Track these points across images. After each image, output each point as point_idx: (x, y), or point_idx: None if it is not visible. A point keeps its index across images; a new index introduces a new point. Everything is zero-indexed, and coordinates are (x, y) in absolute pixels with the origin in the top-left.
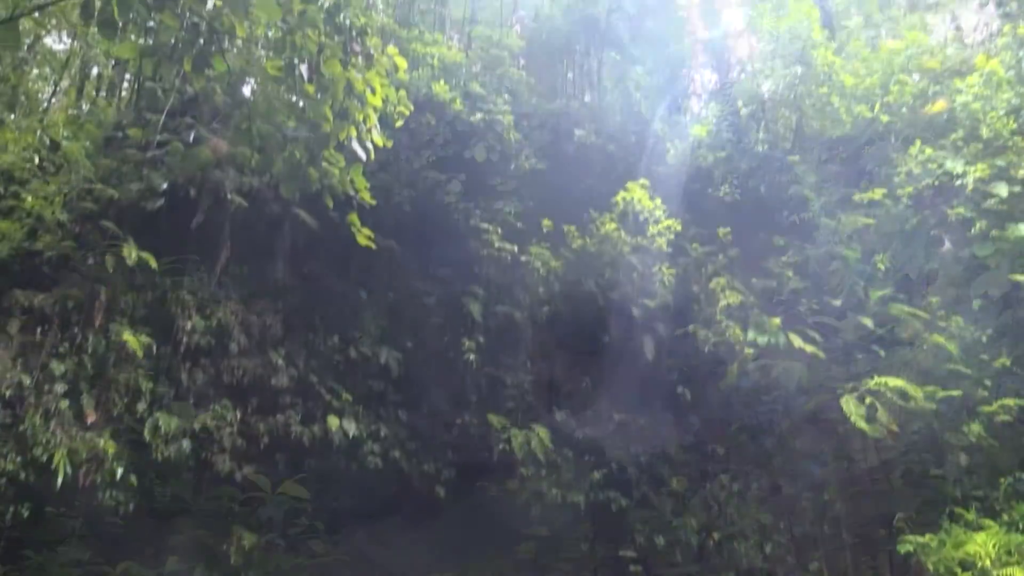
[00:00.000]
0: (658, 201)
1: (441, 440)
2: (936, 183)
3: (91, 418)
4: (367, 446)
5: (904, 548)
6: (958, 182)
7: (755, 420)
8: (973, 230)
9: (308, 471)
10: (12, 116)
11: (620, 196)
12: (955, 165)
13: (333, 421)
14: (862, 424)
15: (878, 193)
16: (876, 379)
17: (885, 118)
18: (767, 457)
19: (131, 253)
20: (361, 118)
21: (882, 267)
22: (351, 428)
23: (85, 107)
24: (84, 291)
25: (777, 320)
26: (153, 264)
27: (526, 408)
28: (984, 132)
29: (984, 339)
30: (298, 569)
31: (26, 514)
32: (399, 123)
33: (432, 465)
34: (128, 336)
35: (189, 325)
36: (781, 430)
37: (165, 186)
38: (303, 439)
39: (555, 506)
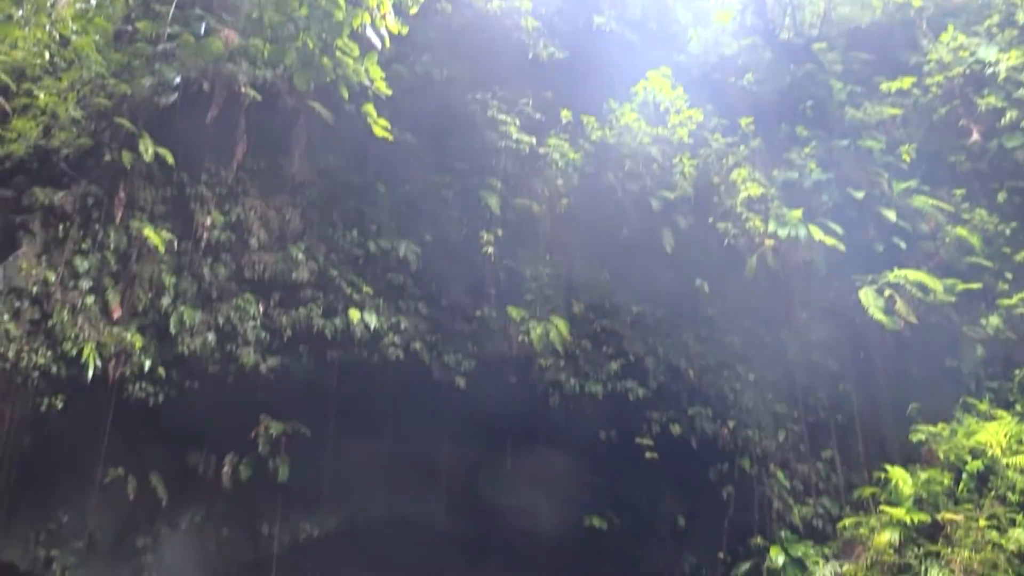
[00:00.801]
0: (679, 91)
1: (461, 332)
2: (967, 72)
3: (117, 313)
4: (388, 338)
5: (916, 437)
6: (990, 71)
7: (772, 312)
8: (1003, 121)
9: (331, 363)
10: (20, 12)
11: (640, 86)
12: (988, 53)
13: (354, 314)
14: (880, 316)
15: (906, 82)
16: (896, 271)
17: (917, 3)
18: (783, 348)
19: (147, 149)
20: (375, 4)
21: (907, 159)
22: (372, 321)
23: (93, 1)
24: (103, 188)
25: (798, 212)
26: (170, 160)
27: (544, 300)
28: (1020, 17)
29: (1007, 232)
30: (323, 458)
31: (60, 405)
32: (414, 9)
33: (452, 357)
34: (149, 232)
35: (208, 221)
36: (798, 322)
37: (178, 80)
38: (325, 332)
39: (573, 396)
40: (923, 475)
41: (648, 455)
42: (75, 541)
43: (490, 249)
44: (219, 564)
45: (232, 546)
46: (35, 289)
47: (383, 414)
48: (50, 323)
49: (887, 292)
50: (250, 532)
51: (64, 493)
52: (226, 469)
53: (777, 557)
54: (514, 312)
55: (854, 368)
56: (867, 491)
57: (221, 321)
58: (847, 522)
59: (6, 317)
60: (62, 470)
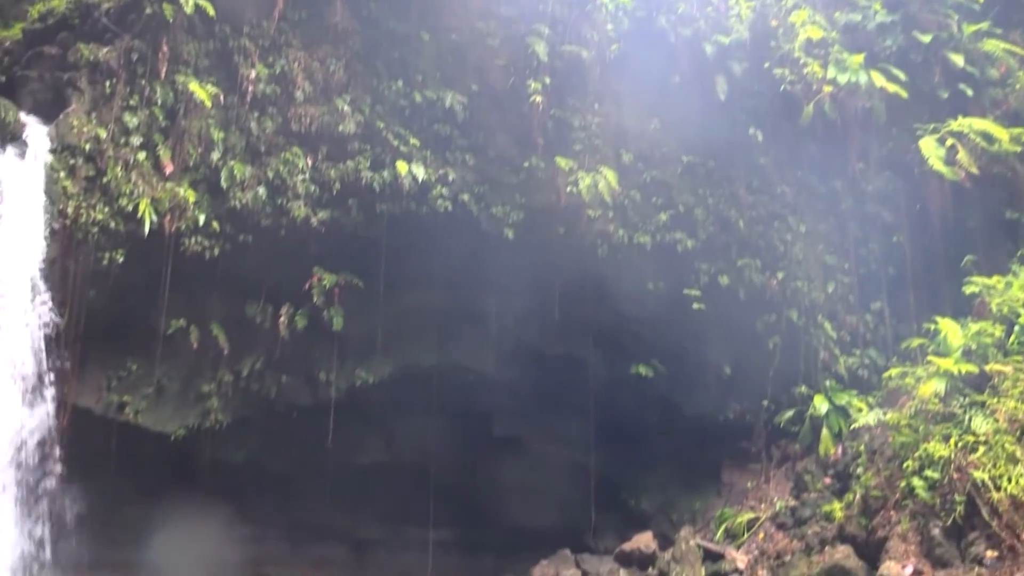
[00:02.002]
0: None
1: (508, 183)
2: None
3: (169, 168)
4: (436, 190)
5: (970, 289)
6: None
7: (827, 162)
8: None
9: (380, 215)
10: None
11: None
12: None
13: (402, 166)
14: (940, 167)
15: None
16: (960, 120)
17: None
18: (837, 199)
19: (188, 1)
20: None
21: (979, 0)
22: (419, 173)
23: None
24: (146, 42)
25: (859, 57)
26: (211, 11)
27: (593, 150)
28: None
29: None
30: (376, 308)
31: (121, 260)
32: None
33: (500, 208)
34: (195, 86)
35: (252, 74)
36: (854, 172)
37: None
38: (373, 184)
39: (621, 247)
40: (974, 327)
41: (695, 306)
42: (144, 387)
43: (538, 98)
44: (280, 409)
45: (291, 392)
46: (87, 146)
47: (433, 265)
48: (105, 180)
49: (949, 141)
50: (308, 379)
51: (131, 343)
52: (283, 319)
53: (821, 405)
54: (562, 162)
55: (909, 220)
56: (915, 342)
57: (271, 175)
58: (893, 372)
59: (62, 174)
60: (128, 321)
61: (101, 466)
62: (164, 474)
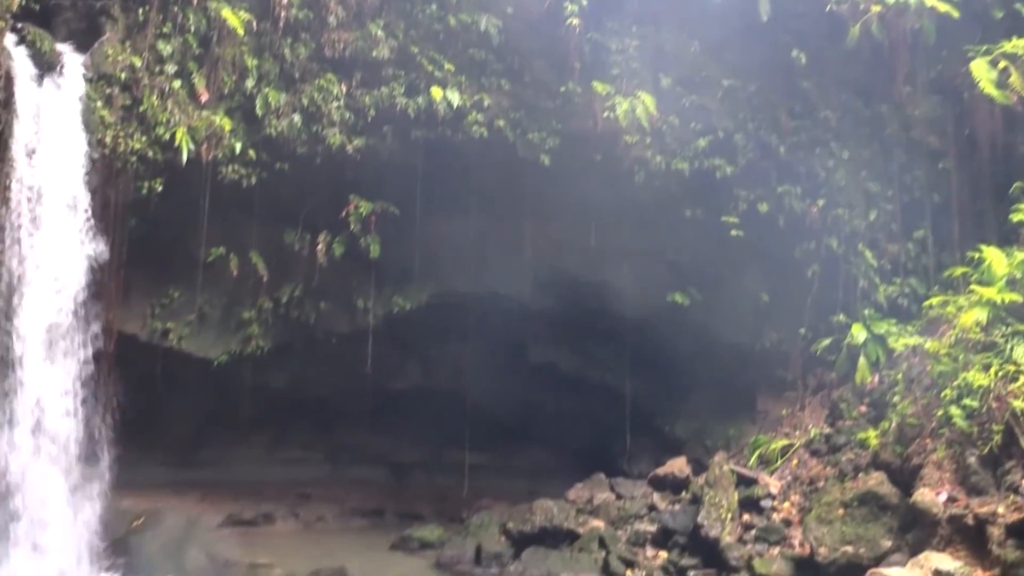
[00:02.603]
0: None
1: (545, 109)
2: None
3: (204, 96)
4: (471, 116)
5: (1017, 217)
6: None
7: (873, 85)
8: None
9: (416, 142)
10: None
11: None
12: None
13: (436, 92)
14: (991, 90)
15: None
16: (1014, 41)
17: None
18: (882, 125)
19: None
20: None
21: None
22: (454, 98)
23: None
24: None
25: None
26: None
27: (631, 74)
28: None
29: None
30: (413, 235)
31: (160, 189)
32: None
33: (536, 134)
34: (227, 13)
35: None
36: (900, 96)
37: None
38: (408, 111)
39: (659, 174)
40: (1019, 255)
41: (733, 233)
42: (186, 314)
43: (574, 21)
44: (319, 335)
45: (330, 319)
46: (123, 75)
47: (469, 192)
48: (141, 108)
49: (1001, 64)
50: (346, 306)
51: (173, 271)
52: (320, 247)
53: (859, 334)
54: (599, 87)
55: (957, 145)
56: (958, 271)
57: (305, 102)
58: (934, 301)
59: (99, 104)
60: (169, 250)
61: (147, 390)
62: (208, 398)
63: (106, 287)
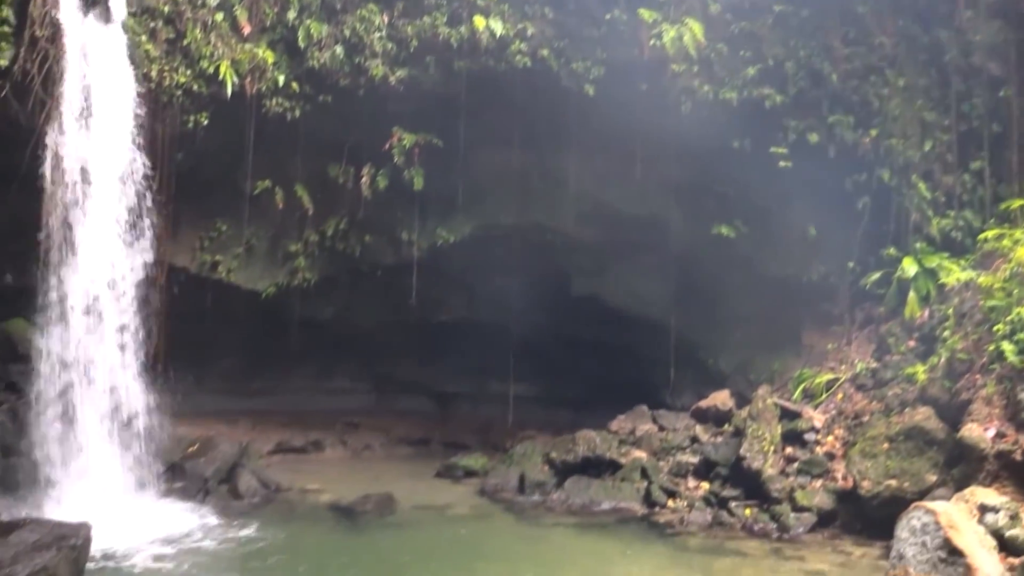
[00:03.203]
0: None
1: (589, 37)
2: None
3: (247, 29)
4: (515, 45)
5: None
6: None
7: (932, 10)
8: None
9: (458, 73)
10: None
11: None
12: None
13: (479, 21)
14: None
15: None
16: None
17: None
18: (940, 51)
19: None
20: None
21: None
22: (497, 27)
23: None
24: None
25: None
26: None
27: (678, 1)
28: None
29: None
30: (456, 167)
31: (205, 122)
32: None
33: (581, 63)
34: None
35: None
36: (960, 21)
37: None
38: (451, 41)
39: (706, 104)
40: None
41: (782, 164)
42: (234, 247)
43: None
44: (364, 268)
45: (375, 251)
46: (166, 8)
47: (512, 124)
48: (185, 42)
49: None
50: (390, 238)
51: (220, 204)
52: (364, 179)
53: (909, 267)
54: (646, 14)
55: (1019, 72)
56: (1015, 203)
57: (347, 33)
58: (989, 234)
59: (143, 38)
60: (216, 183)
61: (198, 322)
62: (257, 330)
63: (156, 221)
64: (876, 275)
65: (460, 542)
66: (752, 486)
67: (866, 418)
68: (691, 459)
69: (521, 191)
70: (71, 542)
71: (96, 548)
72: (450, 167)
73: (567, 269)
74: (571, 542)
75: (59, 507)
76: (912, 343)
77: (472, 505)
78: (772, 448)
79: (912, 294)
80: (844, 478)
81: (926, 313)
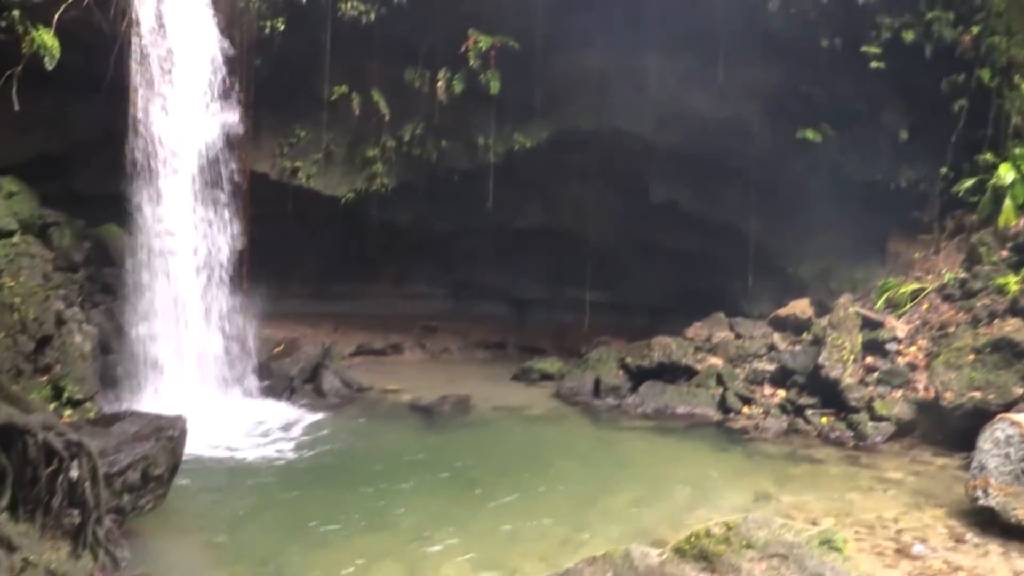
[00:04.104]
0: None
1: None
2: None
3: None
4: None
5: None
6: None
7: None
8: None
9: None
10: None
11: None
12: None
13: None
14: None
15: None
16: None
17: None
18: None
19: None
20: None
21: None
22: None
23: None
24: None
25: None
26: None
27: None
28: None
29: None
30: (533, 70)
31: (282, 28)
32: None
33: None
34: None
35: None
36: None
37: None
38: None
39: None
40: None
41: (873, 65)
42: (313, 153)
43: None
44: (441, 174)
45: (451, 157)
46: None
47: (591, 25)
48: None
49: None
50: (467, 143)
51: (299, 111)
52: (440, 83)
53: (1006, 174)
54: None
55: None
56: None
57: None
58: None
59: None
60: (294, 90)
61: (280, 228)
62: (337, 235)
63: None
64: (970, 182)
65: (537, 441)
66: (829, 395)
67: (952, 329)
68: (767, 367)
69: (600, 95)
70: (168, 433)
71: (190, 441)
72: (527, 70)
73: (645, 175)
74: (646, 445)
75: (155, 402)
76: (1005, 253)
77: (548, 407)
78: (852, 357)
79: (1008, 202)
80: (926, 389)
81: (1021, 222)
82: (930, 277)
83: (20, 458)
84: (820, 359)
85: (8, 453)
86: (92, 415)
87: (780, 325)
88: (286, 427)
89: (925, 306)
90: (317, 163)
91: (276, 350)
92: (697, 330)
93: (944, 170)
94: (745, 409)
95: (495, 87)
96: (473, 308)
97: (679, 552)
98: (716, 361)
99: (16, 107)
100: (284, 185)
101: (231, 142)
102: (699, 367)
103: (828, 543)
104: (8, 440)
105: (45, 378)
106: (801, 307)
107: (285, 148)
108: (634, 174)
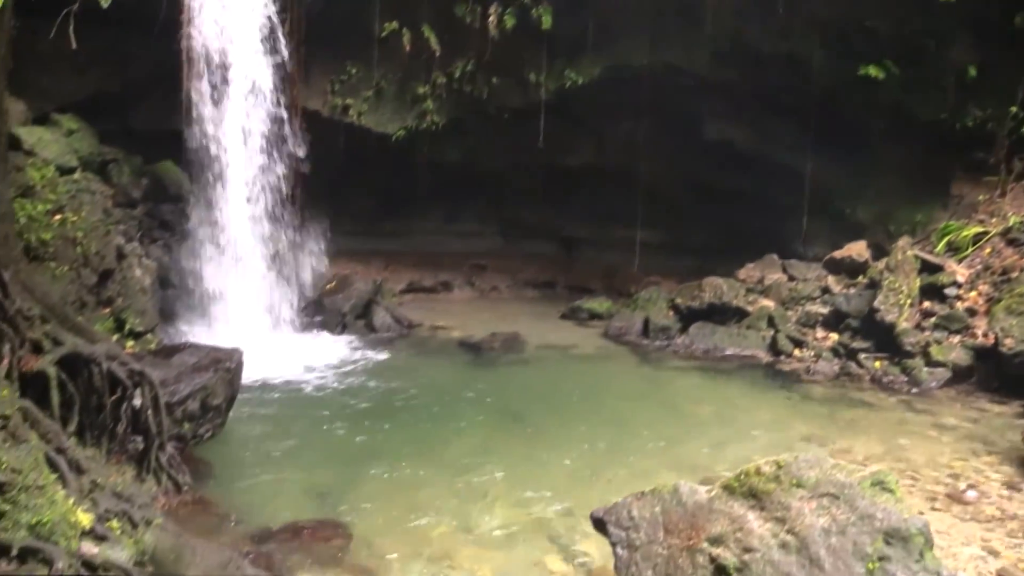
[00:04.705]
0: None
1: None
2: None
3: None
4: None
5: None
6: None
7: None
8: None
9: None
10: None
11: None
12: None
13: None
14: None
15: None
16: None
17: None
18: None
19: None
20: None
21: None
22: None
23: None
24: None
25: None
26: None
27: None
28: None
29: None
30: (586, 3)
31: None
32: None
33: None
34: None
35: None
36: None
37: None
38: None
39: None
40: None
41: None
42: (364, 90)
43: None
44: (491, 111)
45: (502, 93)
46: None
47: None
48: None
49: None
50: (518, 80)
51: (350, 48)
52: (491, 19)
53: None
54: None
55: None
56: None
57: None
58: None
59: None
60: (345, 26)
61: (332, 165)
62: (388, 173)
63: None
64: None
65: (586, 380)
66: (884, 339)
67: (1015, 274)
68: (820, 310)
69: (654, 29)
70: (226, 365)
71: (246, 373)
72: (579, 4)
73: (700, 112)
74: (694, 385)
75: (211, 335)
76: None
77: (596, 346)
78: (908, 301)
79: None
80: (985, 335)
81: None
82: (994, 220)
83: (86, 386)
84: (875, 302)
85: (75, 381)
86: (152, 347)
87: (835, 267)
88: (338, 361)
89: (988, 250)
90: (368, 100)
91: (328, 286)
92: (749, 271)
93: (1013, 109)
94: (796, 352)
95: (547, 22)
96: (522, 247)
97: (728, 489)
98: (768, 303)
99: (73, 45)
100: (336, 122)
101: (283, 79)
102: (750, 309)
103: (880, 484)
104: (75, 369)
105: (107, 310)
106: (857, 249)
107: (336, 85)
108: (688, 112)
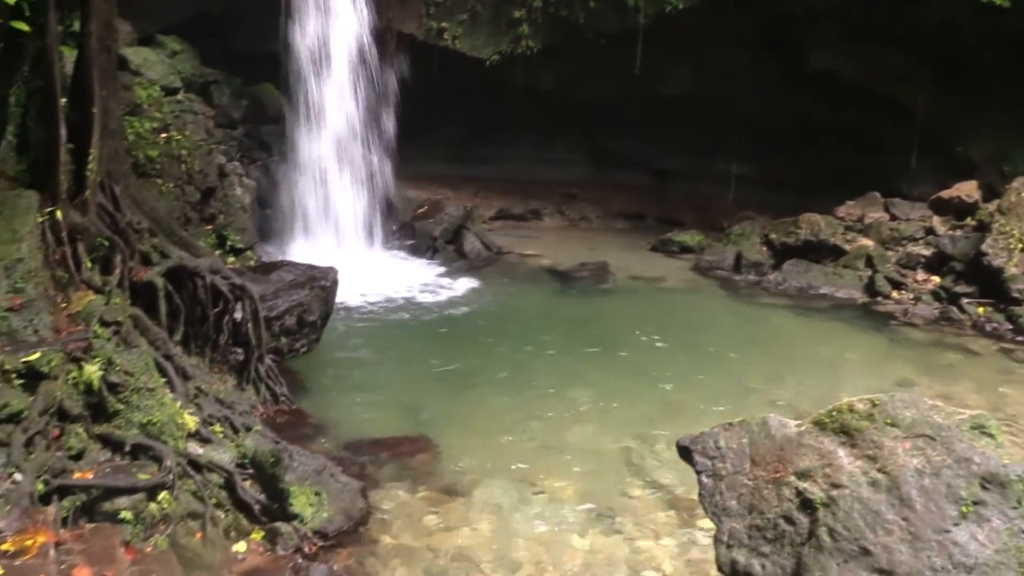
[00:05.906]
0: None
1: None
2: None
3: None
4: None
5: None
6: None
7: None
8: None
9: None
10: None
11: None
12: None
13: None
14: None
15: None
16: None
17: None
18: None
19: None
20: None
21: None
22: None
23: None
24: None
25: None
26: None
27: None
28: None
29: None
30: None
31: None
32: None
33: None
34: None
35: None
36: None
37: None
38: None
39: None
40: None
41: None
42: (459, 14)
43: None
44: (588, 36)
45: (599, 18)
46: None
47: None
48: None
49: None
50: (615, 4)
51: None
52: None
53: None
54: None
55: None
56: None
57: None
58: None
59: None
60: None
61: (425, 90)
62: (481, 99)
63: None
64: None
65: (675, 311)
66: (990, 284)
67: None
68: (923, 251)
69: None
70: (321, 283)
71: (340, 292)
72: None
73: (804, 41)
74: (786, 322)
75: (307, 255)
76: None
77: (686, 279)
78: (1020, 246)
79: None
80: None
81: None
82: None
83: (191, 298)
84: (984, 246)
85: (180, 293)
86: (252, 263)
87: (941, 208)
88: (429, 284)
89: None
90: (463, 24)
91: (420, 211)
92: (849, 209)
93: None
94: (895, 294)
95: None
96: (613, 177)
97: (819, 425)
98: (867, 242)
99: None
100: (430, 46)
101: (379, 1)
102: (848, 247)
103: (980, 428)
104: (180, 281)
105: (210, 227)
106: (967, 189)
107: (431, 8)
108: (792, 39)
